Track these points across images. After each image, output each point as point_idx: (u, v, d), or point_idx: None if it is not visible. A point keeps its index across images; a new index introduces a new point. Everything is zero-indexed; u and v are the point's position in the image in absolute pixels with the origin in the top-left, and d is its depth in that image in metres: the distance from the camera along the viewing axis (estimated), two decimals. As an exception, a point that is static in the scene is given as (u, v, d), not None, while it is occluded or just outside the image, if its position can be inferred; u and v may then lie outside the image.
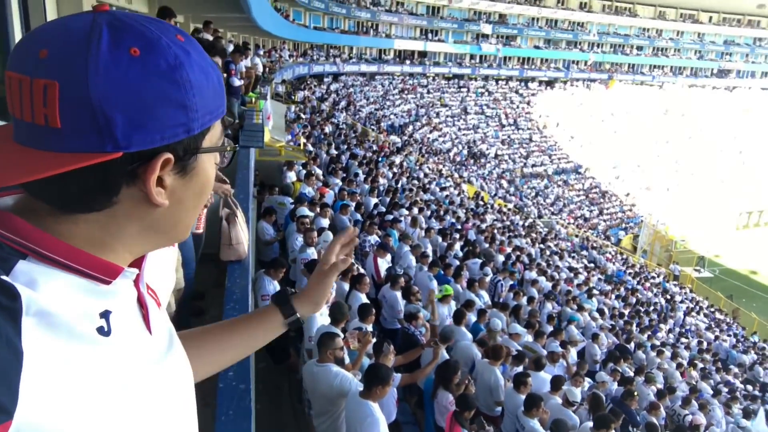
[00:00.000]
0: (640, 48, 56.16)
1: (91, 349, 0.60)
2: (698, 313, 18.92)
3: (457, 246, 11.63)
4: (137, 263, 0.73)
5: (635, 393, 7.44)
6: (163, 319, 0.82)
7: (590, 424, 5.64)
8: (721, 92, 57.52)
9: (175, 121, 0.61)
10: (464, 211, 16.81)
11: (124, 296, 0.70)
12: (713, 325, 18.04)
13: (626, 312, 14.37)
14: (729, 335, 17.47)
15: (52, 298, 0.58)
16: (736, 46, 59.90)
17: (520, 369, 6.46)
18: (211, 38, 8.97)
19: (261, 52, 20.36)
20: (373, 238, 8.48)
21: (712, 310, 21.04)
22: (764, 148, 48.09)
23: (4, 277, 0.54)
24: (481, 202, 21.30)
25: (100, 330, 0.62)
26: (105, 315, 0.64)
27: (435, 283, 8.06)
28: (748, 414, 9.80)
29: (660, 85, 55.60)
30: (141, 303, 0.74)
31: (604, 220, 35.75)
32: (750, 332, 20.15)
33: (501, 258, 12.58)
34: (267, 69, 18.00)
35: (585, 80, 52.74)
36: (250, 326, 1.14)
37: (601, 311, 12.61)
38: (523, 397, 5.51)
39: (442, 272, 8.69)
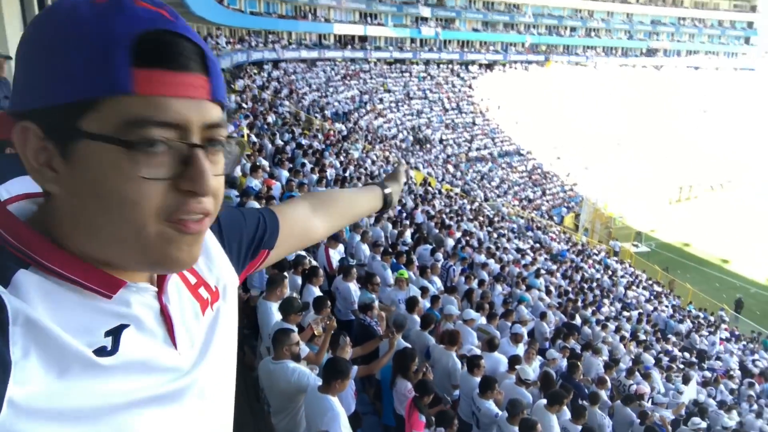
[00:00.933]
0: (573, 29, 58.04)
1: (86, 368, 0.58)
2: (638, 286, 19.88)
3: (408, 233, 11.68)
4: (162, 277, 0.71)
5: (579, 366, 7.72)
6: (201, 327, 0.77)
7: (544, 401, 5.81)
8: (649, 71, 60.29)
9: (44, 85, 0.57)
10: (413, 197, 16.90)
11: (142, 310, 0.67)
12: (652, 297, 19.01)
13: (571, 289, 14.90)
14: (666, 306, 18.47)
15: (44, 312, 0.56)
16: (662, 25, 62.88)
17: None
18: None
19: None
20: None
21: (650, 282, 22.17)
22: (691, 124, 50.87)
23: None
24: (429, 188, 21.48)
25: (101, 350, 0.59)
26: (114, 332, 0.62)
27: (389, 272, 8.07)
28: (686, 380, 10.41)
29: (594, 65, 57.66)
30: (165, 316, 0.70)
31: (547, 201, 36.90)
32: (685, 302, 21.38)
33: (451, 243, 12.74)
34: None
35: (523, 62, 54.03)
36: (368, 193, 1.37)
37: (548, 290, 13.02)
38: (478, 379, 5.61)
39: (395, 260, 8.70)
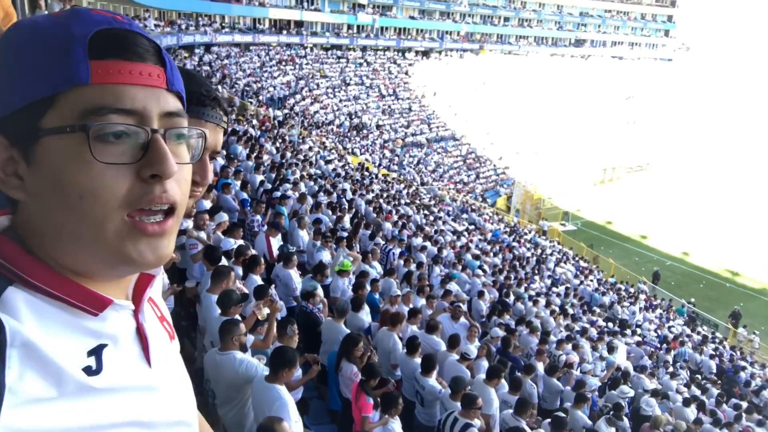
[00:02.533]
0: (507, 19, 59.51)
1: (79, 390, 0.57)
2: (566, 262, 20.91)
3: (347, 218, 11.75)
4: (137, 296, 0.72)
5: (511, 339, 8.11)
6: (170, 352, 0.79)
7: (482, 376, 6.10)
8: (577, 60, 62.88)
9: None
10: (351, 182, 16.95)
11: (120, 328, 0.68)
12: (579, 273, 20.06)
13: (504, 267, 15.48)
14: (591, 280, 19.56)
15: (37, 331, 0.56)
16: (590, 17, 65.71)
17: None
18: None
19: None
20: (260, 217, 8.33)
21: (577, 258, 23.36)
22: (614, 111, 53.59)
23: None
24: (366, 173, 21.59)
25: (87, 369, 0.59)
26: (96, 351, 0.61)
27: (325, 253, 8.10)
28: (611, 349, 11.16)
29: (526, 54, 59.48)
30: (141, 335, 0.71)
31: (481, 184, 37.92)
32: (608, 275, 22.71)
33: (389, 227, 12.92)
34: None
35: (458, 50, 54.92)
36: None
37: (482, 269, 13.50)
38: (418, 359, 5.80)
39: (335, 246, 8.76)
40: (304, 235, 8.80)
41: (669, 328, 16.88)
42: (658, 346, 14.55)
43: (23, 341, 0.54)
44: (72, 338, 0.60)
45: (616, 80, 59.45)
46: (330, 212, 11.35)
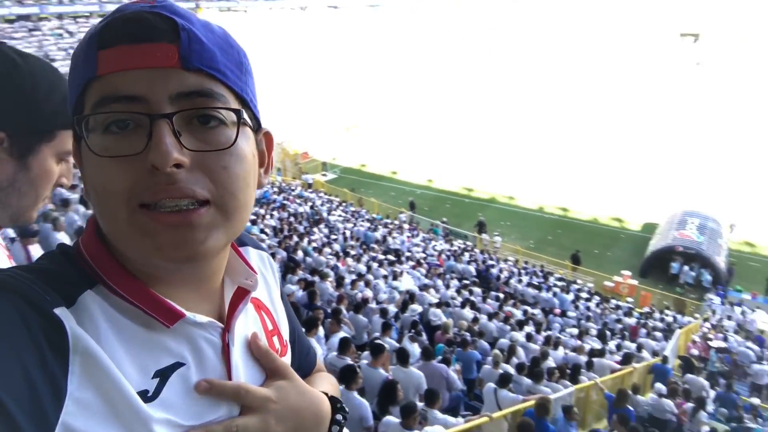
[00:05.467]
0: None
1: (134, 413, 0.54)
2: (336, 210, 21.88)
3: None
4: (231, 312, 0.67)
5: (316, 293, 8.20)
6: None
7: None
8: (296, 12, 64.02)
9: None
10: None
11: (202, 347, 0.62)
12: (351, 217, 21.22)
13: (284, 227, 15.50)
14: (363, 221, 20.90)
15: (105, 340, 0.54)
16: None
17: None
18: None
19: None
20: None
21: (345, 204, 24.61)
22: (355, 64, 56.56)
23: (55, 311, 0.52)
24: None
25: (144, 393, 0.55)
26: (164, 373, 0.58)
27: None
28: (396, 277, 12.18)
29: (245, 10, 58.32)
30: (226, 356, 0.65)
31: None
32: (372, 213, 24.50)
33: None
34: None
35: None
36: None
37: (264, 232, 13.30)
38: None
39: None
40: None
41: (433, 247, 19.13)
42: (438, 263, 16.40)
43: (86, 351, 0.52)
44: (144, 352, 0.57)
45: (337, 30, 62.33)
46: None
